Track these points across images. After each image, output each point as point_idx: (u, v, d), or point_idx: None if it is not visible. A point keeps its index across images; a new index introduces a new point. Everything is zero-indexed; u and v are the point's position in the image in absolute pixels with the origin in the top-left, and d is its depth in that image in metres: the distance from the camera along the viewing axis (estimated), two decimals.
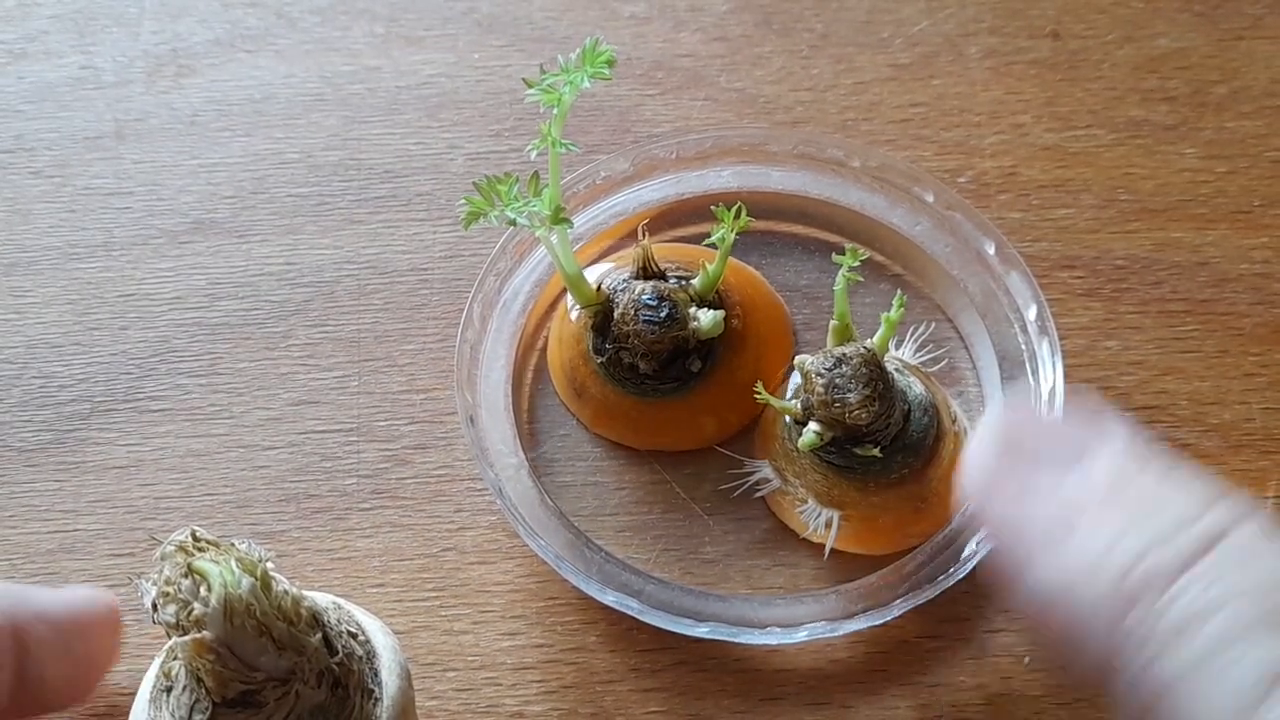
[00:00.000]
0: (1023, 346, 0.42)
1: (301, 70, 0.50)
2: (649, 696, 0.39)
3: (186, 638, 0.27)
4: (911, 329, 0.43)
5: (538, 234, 0.38)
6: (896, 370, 0.41)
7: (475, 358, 0.42)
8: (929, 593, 0.38)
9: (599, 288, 0.42)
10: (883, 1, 0.51)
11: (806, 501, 0.40)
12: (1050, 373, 0.41)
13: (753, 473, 0.41)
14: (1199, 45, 0.49)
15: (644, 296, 0.40)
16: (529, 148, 0.37)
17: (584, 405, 0.43)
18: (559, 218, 0.37)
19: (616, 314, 0.41)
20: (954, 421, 0.41)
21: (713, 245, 0.40)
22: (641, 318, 0.40)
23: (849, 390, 0.38)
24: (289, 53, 0.50)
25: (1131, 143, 0.48)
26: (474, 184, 0.37)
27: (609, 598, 0.38)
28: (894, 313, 0.39)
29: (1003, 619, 0.40)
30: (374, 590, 0.40)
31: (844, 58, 0.50)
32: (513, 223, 0.37)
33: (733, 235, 0.40)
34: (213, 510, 0.42)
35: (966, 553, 0.38)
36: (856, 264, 0.38)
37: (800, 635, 0.37)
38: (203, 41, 0.50)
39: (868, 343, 0.39)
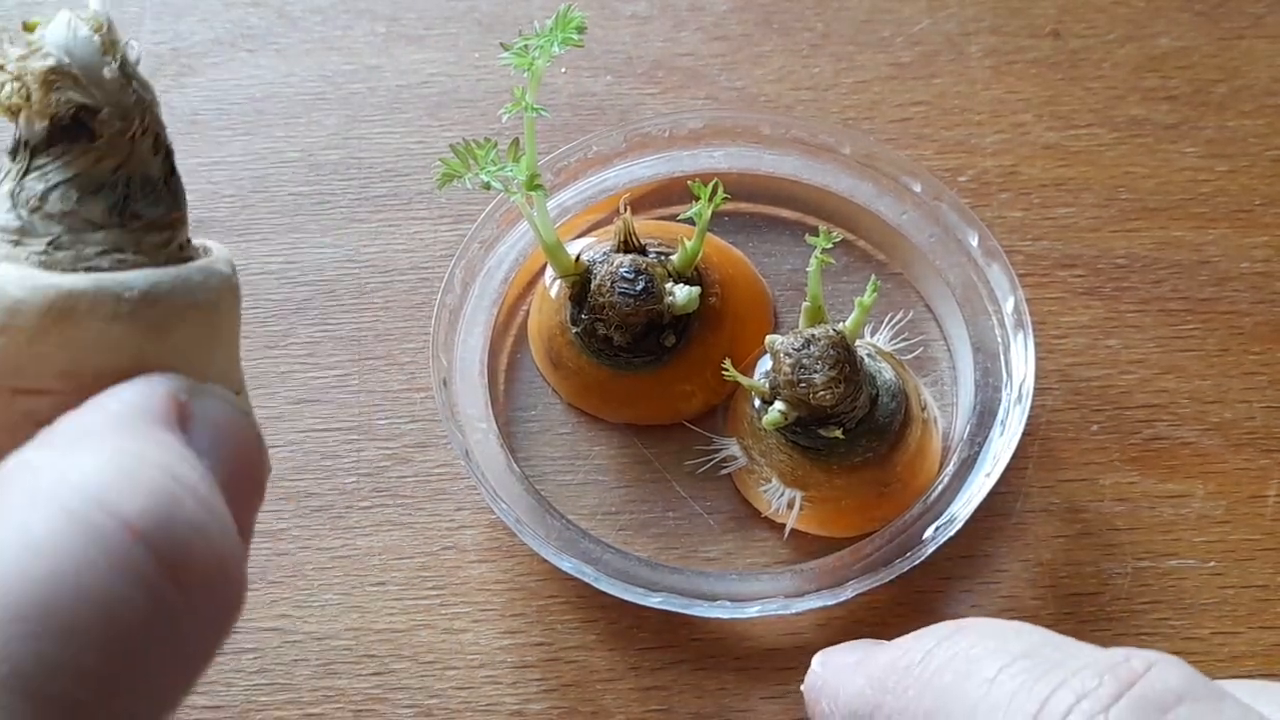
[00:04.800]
0: (999, 339, 0.42)
1: (302, 69, 0.50)
2: (649, 695, 0.39)
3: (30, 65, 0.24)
4: (889, 315, 0.43)
5: (513, 200, 0.38)
6: (868, 355, 0.41)
7: (454, 322, 0.42)
8: (884, 576, 0.38)
9: (578, 259, 0.41)
10: (883, 1, 0.51)
11: (770, 480, 0.40)
12: (1023, 365, 0.41)
13: (720, 450, 0.42)
14: (1200, 44, 0.49)
15: (621, 269, 0.40)
16: (501, 111, 0.37)
17: (559, 375, 0.43)
18: (534, 184, 0.37)
19: (593, 285, 0.41)
20: (923, 409, 0.41)
21: (689, 221, 0.40)
22: (618, 290, 0.40)
23: (815, 371, 0.38)
24: (290, 52, 0.50)
25: (1132, 141, 0.48)
26: (451, 147, 0.37)
27: (566, 564, 0.38)
28: (867, 297, 0.39)
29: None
30: (374, 588, 0.40)
31: (844, 57, 0.50)
32: (487, 186, 0.37)
33: (709, 211, 0.40)
34: None
35: (924, 538, 0.38)
36: (830, 245, 0.38)
37: (752, 610, 0.38)
38: (204, 41, 0.50)
39: (839, 325, 0.39)
